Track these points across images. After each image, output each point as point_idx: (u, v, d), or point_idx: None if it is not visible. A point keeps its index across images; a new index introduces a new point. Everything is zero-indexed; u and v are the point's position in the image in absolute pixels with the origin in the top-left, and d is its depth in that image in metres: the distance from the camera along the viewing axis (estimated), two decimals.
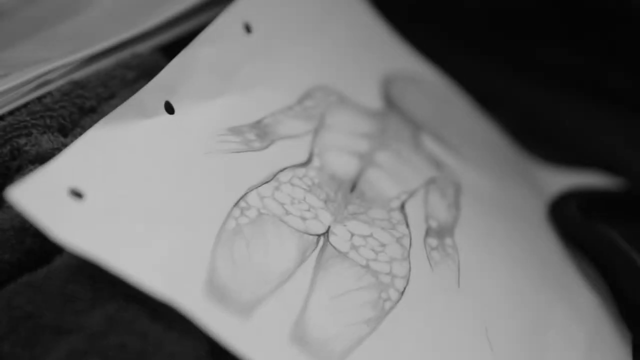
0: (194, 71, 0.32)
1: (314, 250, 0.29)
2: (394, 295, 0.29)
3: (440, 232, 0.32)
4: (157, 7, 0.37)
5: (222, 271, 0.27)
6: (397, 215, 0.32)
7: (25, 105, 0.31)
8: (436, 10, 0.48)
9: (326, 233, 0.30)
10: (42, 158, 0.30)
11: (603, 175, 0.42)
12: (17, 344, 0.25)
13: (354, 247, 0.30)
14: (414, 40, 0.43)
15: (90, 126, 0.32)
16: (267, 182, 0.31)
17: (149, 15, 0.37)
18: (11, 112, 0.31)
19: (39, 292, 0.26)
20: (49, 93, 0.32)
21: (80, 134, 0.32)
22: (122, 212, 0.26)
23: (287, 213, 0.30)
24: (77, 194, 0.26)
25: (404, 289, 0.29)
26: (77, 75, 0.33)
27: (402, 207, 0.32)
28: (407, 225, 0.31)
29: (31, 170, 0.28)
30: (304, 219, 0.30)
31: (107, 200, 0.26)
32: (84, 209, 0.26)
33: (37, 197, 0.25)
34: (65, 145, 0.30)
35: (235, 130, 0.32)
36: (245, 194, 0.30)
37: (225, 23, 0.34)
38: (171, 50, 0.37)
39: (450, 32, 0.48)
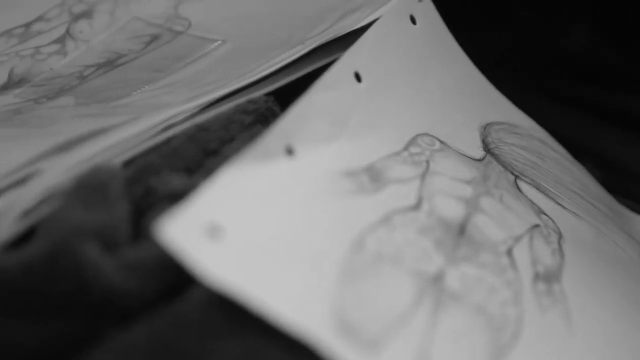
0: (310, 117, 0.34)
1: (430, 291, 0.30)
2: (508, 339, 0.30)
3: (547, 278, 0.33)
4: (265, 56, 0.39)
5: (348, 308, 0.28)
6: (505, 260, 0.33)
7: (154, 147, 0.34)
8: (525, 58, 0.49)
9: (440, 275, 0.31)
10: (173, 196, 0.31)
11: None
12: None
13: (467, 290, 0.31)
14: (501, 87, 0.44)
15: (213, 167, 0.34)
16: (381, 224, 0.32)
17: (259, 63, 0.39)
18: (143, 153, 0.33)
19: (177, 325, 0.27)
20: (176, 136, 0.34)
21: (205, 174, 0.34)
22: (257, 249, 0.28)
23: (403, 254, 0.31)
24: (217, 230, 0.28)
25: (518, 333, 0.30)
26: (199, 119, 0.35)
27: (510, 252, 0.34)
28: (516, 270, 0.33)
29: (165, 208, 0.30)
30: (418, 260, 0.31)
31: (243, 237, 0.28)
32: (224, 245, 0.27)
33: (181, 232, 0.27)
34: (193, 185, 0.32)
35: (350, 174, 0.33)
36: (362, 234, 0.31)
37: (338, 72, 0.36)
38: (281, 94, 0.39)
39: (537, 81, 0.50)
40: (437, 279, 0.31)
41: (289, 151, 0.32)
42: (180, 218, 0.27)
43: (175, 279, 0.29)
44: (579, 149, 0.46)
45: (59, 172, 0.31)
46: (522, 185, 0.38)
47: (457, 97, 0.41)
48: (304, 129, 0.33)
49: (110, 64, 0.40)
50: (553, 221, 0.37)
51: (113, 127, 0.33)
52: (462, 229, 0.34)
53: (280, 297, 0.27)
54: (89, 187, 0.29)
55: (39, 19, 0.41)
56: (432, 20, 0.41)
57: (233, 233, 0.28)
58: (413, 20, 0.40)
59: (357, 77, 0.36)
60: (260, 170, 0.31)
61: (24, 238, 0.30)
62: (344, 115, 0.35)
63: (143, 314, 0.28)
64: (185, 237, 0.27)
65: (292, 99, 0.37)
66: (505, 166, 0.39)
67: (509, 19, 0.50)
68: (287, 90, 0.39)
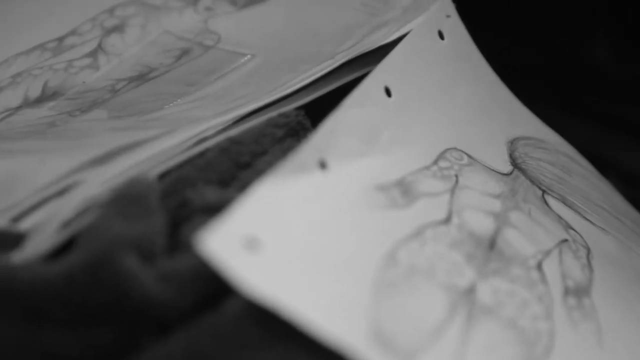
0: (342, 131, 0.34)
1: (463, 305, 0.31)
2: (540, 353, 0.30)
3: (578, 292, 0.33)
4: (294, 70, 0.40)
5: (383, 320, 0.28)
6: (535, 274, 0.33)
7: (189, 160, 0.34)
8: (549, 73, 0.50)
9: (472, 289, 0.32)
10: (208, 209, 0.32)
11: None
12: None
13: (499, 304, 0.31)
14: (525, 102, 0.45)
15: (247, 180, 0.34)
16: (413, 237, 0.32)
17: (289, 77, 0.39)
18: (177, 166, 0.34)
19: (214, 336, 0.28)
20: (209, 149, 0.35)
21: (239, 187, 0.34)
22: (293, 261, 0.28)
23: (435, 268, 0.31)
24: (255, 243, 0.28)
25: (550, 347, 0.30)
26: (232, 132, 0.36)
27: (539, 266, 0.34)
28: (546, 284, 0.33)
29: (200, 220, 0.31)
30: (450, 274, 0.32)
31: (280, 250, 0.28)
32: (262, 257, 0.28)
33: (220, 244, 0.27)
34: (227, 198, 0.32)
35: (381, 188, 0.34)
36: (395, 247, 0.32)
37: (368, 87, 0.36)
38: (311, 108, 0.40)
39: (561, 96, 0.50)
40: (469, 292, 0.31)
41: (323, 165, 0.33)
42: (219, 230, 0.28)
43: (211, 290, 0.29)
44: (604, 164, 0.46)
45: (97, 184, 0.31)
46: (550, 200, 0.38)
47: (484, 112, 0.41)
48: (337, 143, 0.33)
49: (141, 77, 0.41)
50: (581, 236, 0.37)
51: (148, 140, 0.33)
52: (492, 243, 0.34)
53: (317, 308, 0.27)
54: (127, 199, 0.30)
55: (72, 33, 0.42)
56: (460, 36, 0.41)
57: (270, 245, 0.28)
58: (441, 35, 0.40)
59: (387, 92, 0.37)
60: (295, 184, 0.31)
61: (63, 249, 0.30)
62: (374, 130, 0.35)
63: (180, 324, 0.28)
64: (224, 249, 0.27)
65: (322, 113, 0.37)
66: (533, 181, 0.39)
67: (533, 33, 0.50)
68: (317, 104, 0.40)
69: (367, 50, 0.40)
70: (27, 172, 0.32)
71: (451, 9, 0.41)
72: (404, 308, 0.29)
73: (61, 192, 0.31)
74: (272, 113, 0.37)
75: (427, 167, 0.36)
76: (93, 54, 0.41)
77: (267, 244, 0.28)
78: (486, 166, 0.38)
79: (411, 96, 0.38)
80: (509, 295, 0.32)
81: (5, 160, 0.33)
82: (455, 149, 0.38)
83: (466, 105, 0.40)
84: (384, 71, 0.37)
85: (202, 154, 0.34)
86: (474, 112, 0.40)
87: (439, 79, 0.40)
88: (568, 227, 0.37)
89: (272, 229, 0.29)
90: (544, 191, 0.39)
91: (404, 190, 0.34)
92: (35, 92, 0.39)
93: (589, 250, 0.36)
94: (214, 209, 0.32)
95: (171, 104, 0.38)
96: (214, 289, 0.29)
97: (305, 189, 0.31)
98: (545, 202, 0.38)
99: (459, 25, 0.41)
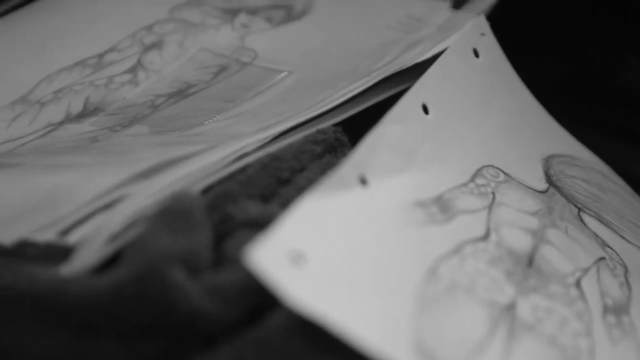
0: (381, 148, 0.34)
1: (504, 321, 0.31)
2: None
3: (617, 310, 0.33)
4: (331, 87, 0.40)
5: (427, 335, 0.29)
6: (574, 292, 0.33)
7: (230, 175, 0.34)
8: (581, 90, 0.50)
9: (512, 305, 0.32)
10: (250, 224, 0.32)
11: None
12: None
13: (539, 321, 0.31)
14: (557, 119, 0.45)
15: (287, 195, 0.35)
16: (453, 253, 0.33)
17: (327, 94, 0.40)
18: (219, 181, 0.34)
19: (260, 349, 0.28)
20: (250, 164, 0.35)
21: (280, 202, 0.35)
22: (336, 276, 0.29)
23: (475, 284, 0.32)
24: (300, 257, 0.28)
25: None
26: (272, 148, 0.36)
27: (578, 284, 0.34)
28: (586, 302, 0.33)
29: (243, 235, 0.31)
30: (490, 290, 0.32)
31: (324, 264, 0.29)
32: (307, 271, 0.28)
33: (267, 259, 0.28)
34: (268, 213, 0.33)
35: (420, 204, 0.34)
36: (436, 264, 0.32)
37: (406, 104, 0.36)
38: (348, 124, 0.40)
39: (593, 113, 0.50)
40: (509, 309, 0.32)
41: (363, 181, 0.33)
42: (266, 245, 0.28)
43: (255, 304, 0.30)
44: (636, 182, 0.46)
45: (143, 198, 0.32)
46: (586, 217, 0.39)
47: (519, 129, 0.41)
48: (376, 159, 0.34)
49: (180, 93, 0.41)
50: (617, 254, 0.37)
51: (191, 155, 0.34)
52: (530, 260, 0.34)
53: (362, 322, 0.28)
54: (173, 214, 0.30)
55: (112, 49, 0.43)
56: (494, 54, 0.42)
57: (314, 260, 0.29)
58: (476, 53, 0.40)
59: (425, 109, 0.37)
60: (337, 200, 0.31)
61: (109, 262, 0.31)
62: (413, 147, 0.36)
63: (225, 338, 0.29)
64: (272, 263, 0.27)
65: (358, 129, 0.38)
66: (568, 199, 0.39)
67: (566, 52, 0.51)
68: (353, 121, 0.40)
69: (402, 68, 0.40)
70: (73, 187, 0.33)
71: (486, 27, 0.41)
72: (446, 323, 0.30)
73: (108, 206, 0.31)
74: (311, 129, 0.37)
75: (464, 184, 0.36)
76: (133, 70, 0.42)
77: (311, 258, 0.29)
78: (522, 183, 0.38)
79: (448, 113, 0.38)
80: (549, 312, 0.32)
81: (51, 175, 0.34)
82: (491, 166, 0.38)
83: (501, 122, 0.40)
84: (421, 89, 0.37)
85: (243, 170, 0.34)
86: (509, 129, 0.41)
87: (475, 97, 0.40)
88: (604, 245, 0.37)
89: (316, 244, 0.29)
90: (579, 209, 0.39)
91: (442, 207, 0.34)
92: (77, 107, 0.40)
93: (626, 269, 0.36)
94: (256, 224, 0.32)
95: (210, 120, 0.39)
96: (258, 303, 0.29)
97: (346, 204, 0.32)
98: (581, 220, 0.38)
99: (493, 43, 0.41)
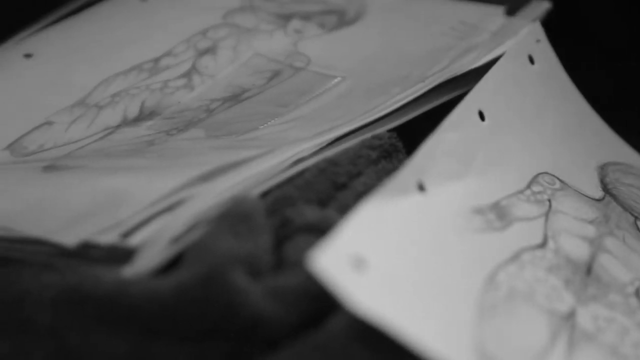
0: (439, 154, 0.34)
1: (564, 330, 0.31)
2: None
3: None
4: (386, 93, 0.40)
5: (488, 342, 0.29)
6: (634, 301, 0.33)
7: (288, 179, 0.35)
8: (635, 101, 0.49)
9: (572, 314, 0.32)
10: (309, 228, 0.32)
11: None
12: None
13: (599, 330, 0.31)
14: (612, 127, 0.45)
15: (344, 200, 0.35)
16: (511, 261, 0.33)
17: (382, 100, 0.40)
18: (277, 185, 0.34)
19: (321, 352, 0.28)
20: (307, 169, 0.35)
21: (337, 207, 0.35)
22: (397, 281, 0.29)
23: (534, 292, 0.32)
24: (361, 262, 0.28)
25: None
26: (328, 153, 0.36)
27: (637, 293, 0.34)
28: None
29: (305, 240, 0.31)
30: (549, 298, 0.32)
31: (385, 269, 0.29)
32: (368, 276, 0.28)
33: (330, 263, 0.28)
34: (326, 217, 0.33)
35: (478, 210, 0.34)
36: (495, 271, 0.32)
37: (463, 111, 0.36)
38: (403, 130, 0.40)
39: None
40: (569, 317, 0.31)
41: (421, 187, 0.33)
42: (328, 250, 0.28)
43: (315, 308, 0.30)
44: None
45: (204, 201, 0.32)
46: None
47: (574, 136, 0.41)
48: (434, 166, 0.34)
49: (235, 98, 0.41)
50: None
51: (250, 159, 0.34)
52: (589, 269, 0.34)
53: (423, 327, 0.28)
54: (235, 217, 0.31)
55: (167, 54, 0.43)
56: (549, 61, 0.41)
57: (375, 265, 0.29)
58: (532, 60, 0.40)
59: (481, 116, 0.37)
60: (396, 205, 0.31)
61: (171, 263, 0.31)
62: (469, 153, 0.36)
63: (286, 341, 0.29)
64: (334, 268, 0.27)
65: (413, 135, 0.38)
66: (625, 207, 0.39)
67: (621, 64, 0.50)
68: (407, 126, 0.40)
69: (457, 74, 0.40)
70: (134, 189, 0.33)
71: (541, 34, 0.41)
72: (507, 330, 0.29)
73: (170, 208, 0.32)
74: (366, 135, 0.38)
75: (520, 191, 0.36)
76: (187, 74, 0.42)
77: (372, 263, 0.29)
78: (578, 191, 0.38)
79: (504, 120, 0.38)
80: (609, 322, 0.32)
81: (111, 178, 0.34)
82: (547, 173, 0.38)
83: (556, 129, 0.40)
84: (478, 95, 0.37)
85: (300, 174, 0.35)
86: (564, 136, 0.40)
87: (530, 103, 0.40)
88: None
89: (376, 249, 0.29)
90: (635, 217, 0.38)
91: (499, 214, 0.34)
92: (133, 111, 0.40)
93: None
94: (315, 229, 0.32)
95: (265, 124, 0.39)
96: (318, 306, 0.30)
97: (405, 210, 0.32)
98: (638, 229, 0.38)
99: (548, 50, 0.41)
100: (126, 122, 0.40)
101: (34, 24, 0.45)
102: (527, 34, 0.41)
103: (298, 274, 0.30)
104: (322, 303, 0.29)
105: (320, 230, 0.32)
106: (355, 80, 0.42)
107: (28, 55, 0.43)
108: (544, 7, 0.44)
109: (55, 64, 0.42)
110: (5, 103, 0.41)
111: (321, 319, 0.30)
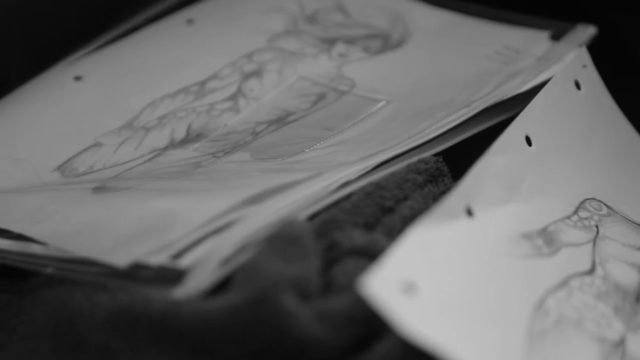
0: (486, 179, 0.34)
1: (614, 357, 0.30)
2: None
3: None
4: (431, 117, 0.40)
5: None
6: None
7: (335, 202, 0.35)
8: None
9: (622, 341, 0.31)
10: (356, 252, 0.33)
11: None
12: None
13: None
14: None
15: (391, 224, 0.35)
16: (560, 287, 0.32)
17: (427, 124, 0.40)
18: (324, 208, 0.34)
19: None
20: (354, 192, 0.35)
21: (384, 231, 0.35)
22: (447, 306, 0.29)
23: (583, 319, 0.31)
24: (411, 287, 0.28)
25: None
26: (374, 177, 0.36)
27: None
28: None
29: (354, 263, 0.31)
30: (599, 325, 0.31)
31: (435, 294, 0.29)
32: (419, 301, 0.28)
33: (381, 288, 0.28)
34: (373, 241, 0.33)
35: (526, 236, 0.34)
36: (544, 297, 0.32)
37: (510, 136, 0.36)
38: (448, 154, 0.40)
39: None
40: (619, 345, 0.31)
41: (469, 212, 0.33)
42: (379, 275, 0.28)
43: (363, 331, 0.30)
44: None
45: (254, 223, 0.32)
46: None
47: (621, 162, 0.41)
48: (481, 191, 0.34)
49: (280, 121, 0.42)
50: None
51: (298, 182, 0.34)
52: (638, 296, 0.34)
53: (474, 352, 0.28)
54: (285, 240, 0.31)
55: (213, 77, 0.44)
56: (596, 86, 0.41)
57: (425, 290, 0.29)
58: (578, 85, 0.40)
59: (528, 141, 0.37)
60: (444, 230, 0.31)
61: (220, 285, 0.31)
62: (517, 178, 0.36)
63: None
64: (385, 293, 0.28)
65: (458, 159, 0.38)
66: None
67: None
68: (453, 151, 0.40)
69: (502, 99, 0.40)
70: (183, 211, 0.33)
71: (587, 59, 0.41)
72: (557, 357, 0.29)
73: (219, 230, 0.32)
74: (412, 159, 0.38)
75: (568, 217, 0.36)
76: (233, 97, 0.43)
77: (422, 287, 0.29)
78: (625, 217, 0.38)
79: (550, 145, 0.38)
80: None
81: (160, 200, 0.35)
82: (594, 199, 0.38)
83: (603, 155, 0.40)
84: (524, 120, 0.37)
85: (347, 198, 0.35)
86: (611, 162, 0.40)
87: (577, 129, 0.40)
88: None
89: (426, 274, 0.29)
90: None
91: (547, 240, 0.34)
92: (180, 133, 0.41)
93: None
94: (363, 252, 0.32)
95: (311, 148, 0.39)
96: (367, 330, 0.30)
97: (454, 235, 0.32)
98: None
99: (594, 76, 0.41)
100: (173, 144, 0.41)
101: (83, 47, 0.45)
102: (574, 59, 0.41)
103: (346, 297, 0.30)
104: (369, 327, 0.29)
105: (368, 254, 0.32)
106: (400, 104, 0.43)
107: (78, 78, 0.44)
108: (590, 32, 0.44)
109: (104, 86, 0.43)
110: (55, 125, 0.41)
111: (369, 343, 0.30)
